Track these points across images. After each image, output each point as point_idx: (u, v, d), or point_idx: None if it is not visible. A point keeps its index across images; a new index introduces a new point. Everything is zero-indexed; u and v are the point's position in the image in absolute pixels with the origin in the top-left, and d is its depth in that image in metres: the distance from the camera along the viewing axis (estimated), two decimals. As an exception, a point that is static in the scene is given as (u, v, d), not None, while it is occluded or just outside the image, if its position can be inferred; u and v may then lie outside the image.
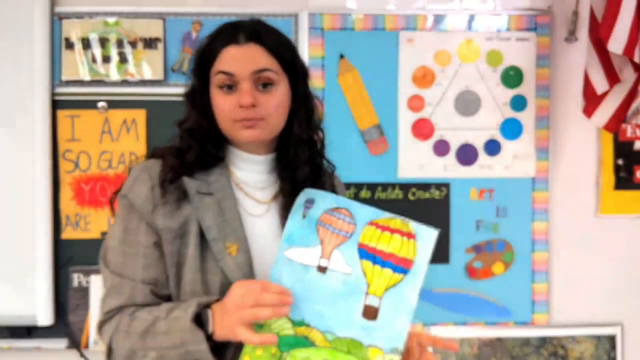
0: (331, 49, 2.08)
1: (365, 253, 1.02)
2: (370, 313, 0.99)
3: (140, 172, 1.14)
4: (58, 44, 2.03)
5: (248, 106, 1.09)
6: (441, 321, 2.11)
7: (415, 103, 2.10)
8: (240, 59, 1.10)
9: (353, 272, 1.02)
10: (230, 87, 1.11)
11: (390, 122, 2.09)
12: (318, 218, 1.07)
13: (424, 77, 2.10)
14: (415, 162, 2.10)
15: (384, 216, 1.05)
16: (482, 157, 2.12)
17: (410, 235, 1.02)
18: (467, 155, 2.12)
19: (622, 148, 2.16)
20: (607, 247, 2.16)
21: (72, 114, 2.04)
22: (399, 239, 1.01)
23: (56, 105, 2.03)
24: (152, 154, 1.19)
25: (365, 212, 1.06)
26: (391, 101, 2.09)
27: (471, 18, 2.11)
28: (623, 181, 2.16)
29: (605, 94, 1.93)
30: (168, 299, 1.12)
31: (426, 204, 2.10)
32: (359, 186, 2.09)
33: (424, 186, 2.10)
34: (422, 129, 2.10)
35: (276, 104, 1.12)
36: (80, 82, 2.05)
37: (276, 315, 0.98)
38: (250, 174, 1.19)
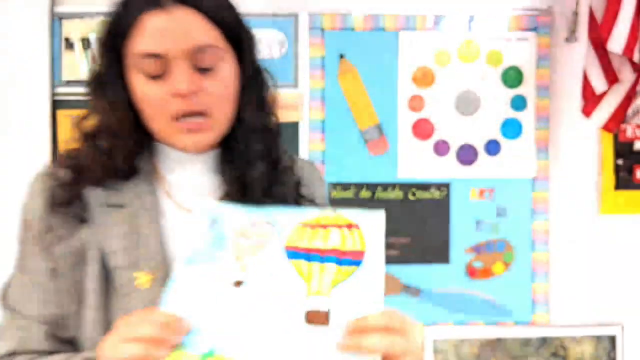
0: (331, 49, 2.07)
1: (296, 253, 0.79)
2: (317, 318, 0.74)
3: (36, 182, 0.92)
4: (58, 44, 2.04)
5: (186, 94, 0.83)
6: (441, 321, 2.11)
7: (415, 103, 2.10)
8: (169, 32, 0.82)
9: (281, 276, 0.77)
10: (160, 74, 0.84)
11: (390, 122, 2.09)
12: (226, 235, 0.83)
13: (424, 77, 2.10)
14: (415, 162, 2.10)
15: (311, 215, 0.84)
16: (482, 157, 2.12)
17: (350, 226, 0.81)
18: (467, 155, 2.11)
19: (622, 148, 2.15)
20: (608, 247, 2.16)
21: (73, 114, 2.04)
22: (338, 232, 0.80)
23: (56, 105, 2.03)
24: (60, 158, 0.95)
25: (287, 215, 0.84)
26: (391, 101, 2.09)
27: (471, 18, 2.10)
28: (623, 181, 2.16)
29: (604, 94, 1.93)
30: (71, 342, 0.89)
31: (426, 204, 2.10)
32: (359, 186, 2.09)
33: (424, 186, 2.10)
34: (422, 129, 2.10)
35: (222, 89, 0.86)
36: (81, 82, 2.04)
37: (152, 357, 0.70)
38: (186, 177, 0.92)
